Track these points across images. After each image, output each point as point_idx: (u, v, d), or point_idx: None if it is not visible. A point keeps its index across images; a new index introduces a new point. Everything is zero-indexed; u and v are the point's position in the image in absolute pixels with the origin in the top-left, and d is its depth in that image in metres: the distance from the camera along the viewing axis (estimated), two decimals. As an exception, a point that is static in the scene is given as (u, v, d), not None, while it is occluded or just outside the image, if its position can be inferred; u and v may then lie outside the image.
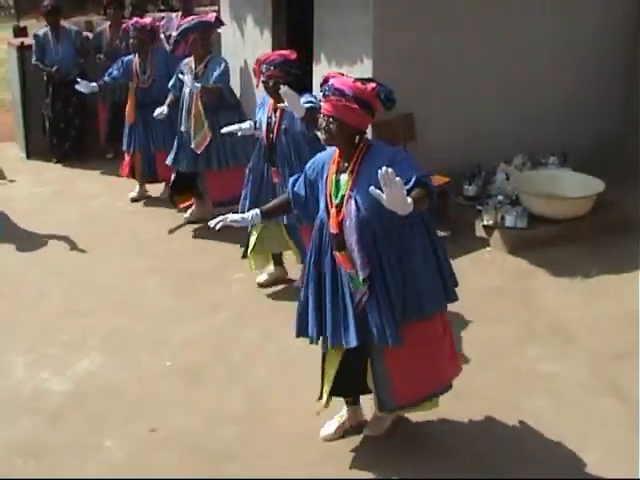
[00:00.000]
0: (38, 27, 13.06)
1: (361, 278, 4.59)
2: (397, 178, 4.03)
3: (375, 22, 8.24)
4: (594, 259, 7.63)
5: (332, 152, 4.79)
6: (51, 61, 11.22)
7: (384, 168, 4.02)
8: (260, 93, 7.26)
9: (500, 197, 8.20)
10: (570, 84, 9.43)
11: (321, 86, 4.73)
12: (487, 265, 7.73)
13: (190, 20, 8.76)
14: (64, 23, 11.64)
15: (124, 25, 10.27)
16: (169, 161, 8.76)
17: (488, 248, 8.00)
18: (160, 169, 9.46)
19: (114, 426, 5.45)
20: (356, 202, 4.55)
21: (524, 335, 6.42)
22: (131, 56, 9.68)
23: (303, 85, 7.13)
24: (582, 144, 9.29)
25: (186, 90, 8.49)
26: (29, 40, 11.78)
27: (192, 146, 8.49)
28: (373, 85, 4.65)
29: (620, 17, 9.64)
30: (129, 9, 13.93)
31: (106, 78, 9.67)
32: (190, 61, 8.64)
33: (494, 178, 8.64)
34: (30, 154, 11.93)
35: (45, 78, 11.36)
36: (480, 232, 8.14)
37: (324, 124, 4.59)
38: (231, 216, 5.19)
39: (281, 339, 6.25)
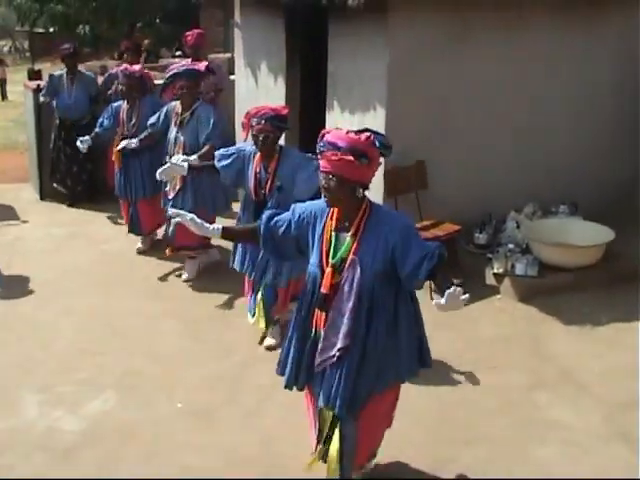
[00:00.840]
0: (52, 70, 13.20)
1: (338, 346, 4.53)
2: (463, 296, 4.24)
3: (389, 70, 8.35)
4: (604, 307, 7.69)
5: (324, 209, 4.64)
6: (63, 104, 11.31)
7: (456, 289, 4.20)
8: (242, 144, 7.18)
9: (510, 245, 8.27)
10: (582, 134, 9.52)
11: (317, 144, 4.55)
12: (497, 313, 7.76)
13: (180, 66, 8.85)
14: (81, 68, 11.76)
15: (113, 70, 10.32)
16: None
17: (498, 296, 8.04)
18: (143, 219, 9.57)
19: (127, 466, 5.46)
20: (361, 268, 4.44)
21: (534, 382, 6.45)
22: (120, 102, 9.77)
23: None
24: (593, 193, 9.38)
25: (171, 136, 8.50)
26: (44, 82, 11.89)
27: (166, 190, 8.54)
28: (367, 134, 4.47)
29: (635, 67, 9.71)
30: (144, 54, 14.12)
31: (97, 130, 9.78)
32: (177, 106, 8.55)
33: (505, 226, 8.70)
34: (44, 196, 12.03)
35: (57, 122, 11.47)
36: (490, 280, 8.19)
37: (324, 182, 4.44)
38: (193, 217, 4.96)
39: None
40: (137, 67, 9.91)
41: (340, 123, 8.56)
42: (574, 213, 8.98)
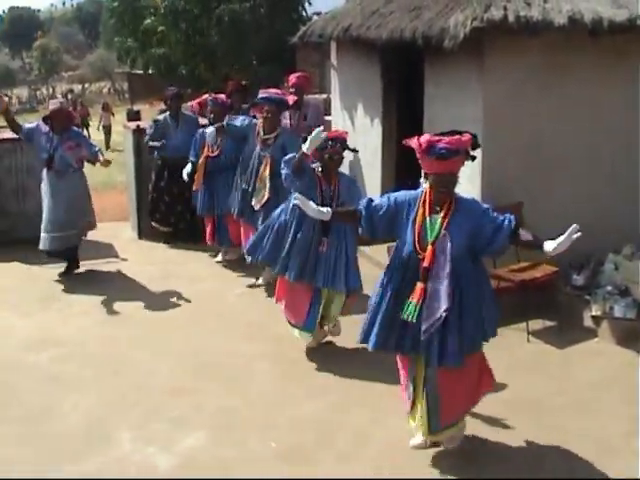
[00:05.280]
0: (151, 111, 13.47)
1: (444, 308, 5.29)
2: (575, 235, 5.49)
3: (485, 112, 8.35)
4: None
5: (417, 195, 5.57)
6: (172, 146, 11.45)
7: (574, 226, 5.56)
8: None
9: (609, 287, 8.12)
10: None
11: (427, 151, 5.31)
12: (595, 356, 7.62)
13: (273, 92, 9.39)
14: (183, 108, 11.99)
15: (200, 100, 10.98)
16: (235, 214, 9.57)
17: (596, 339, 7.91)
18: (232, 230, 10.25)
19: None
20: (451, 240, 5.33)
21: (633, 430, 6.26)
22: (201, 130, 10.57)
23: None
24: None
25: (256, 153, 9.19)
26: (143, 123, 12.14)
27: (252, 203, 9.09)
28: (468, 136, 5.46)
29: None
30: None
31: (193, 159, 10.58)
32: (259, 125, 9.27)
33: (603, 268, 8.55)
34: (141, 234, 12.25)
35: (160, 162, 11.63)
36: (588, 322, 8.06)
37: (445, 183, 5.38)
38: (311, 204, 5.84)
39: (389, 425, 6.25)
40: (223, 95, 10.73)
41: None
42: (674, 255, 8.79)
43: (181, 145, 11.34)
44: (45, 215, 9.83)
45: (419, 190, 5.62)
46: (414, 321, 5.41)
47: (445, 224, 5.40)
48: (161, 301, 9.46)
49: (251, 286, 9.77)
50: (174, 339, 8.40)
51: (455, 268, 5.34)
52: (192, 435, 6.38)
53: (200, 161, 10.37)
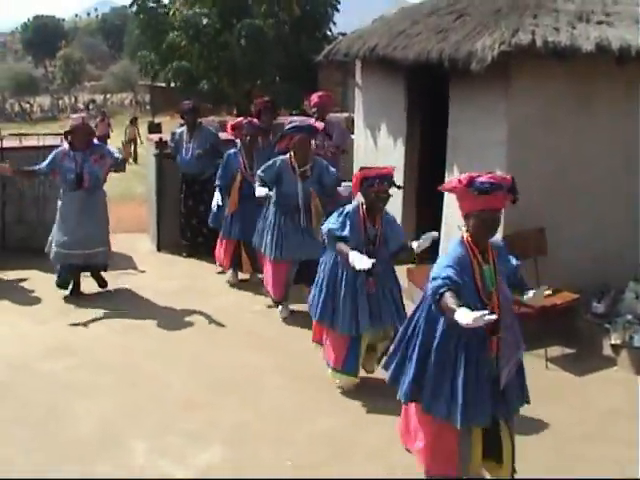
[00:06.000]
0: (172, 123, 13.50)
1: (520, 351, 5.35)
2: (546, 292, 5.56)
3: (509, 136, 8.34)
4: None
5: (463, 252, 5.22)
6: (183, 160, 11.52)
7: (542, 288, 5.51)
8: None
9: (629, 316, 8.06)
10: None
11: (469, 185, 5.13)
12: (613, 385, 7.57)
13: (302, 120, 9.31)
14: (204, 123, 11.99)
15: (234, 122, 10.57)
16: (271, 254, 9.05)
17: (615, 367, 7.85)
18: (260, 258, 9.81)
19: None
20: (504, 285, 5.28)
21: (651, 459, 6.23)
22: (231, 151, 10.34)
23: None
24: None
25: (295, 189, 8.86)
26: (165, 135, 12.12)
27: (315, 235, 8.75)
28: (509, 176, 5.30)
29: None
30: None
31: (219, 183, 10.35)
32: (290, 160, 8.92)
33: (623, 296, 8.49)
34: (161, 247, 12.26)
35: (180, 174, 11.67)
36: (607, 351, 8.00)
37: (492, 219, 5.20)
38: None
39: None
40: (256, 120, 10.51)
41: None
42: (696, 285, 8.73)
43: (192, 160, 11.42)
44: (68, 231, 9.59)
45: (457, 247, 5.28)
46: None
47: (495, 271, 5.26)
48: (178, 314, 9.45)
49: (270, 307, 9.67)
50: (189, 352, 8.40)
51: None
52: (207, 450, 6.38)
53: (235, 184, 10.15)
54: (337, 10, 28.04)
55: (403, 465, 6.02)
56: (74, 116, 10.38)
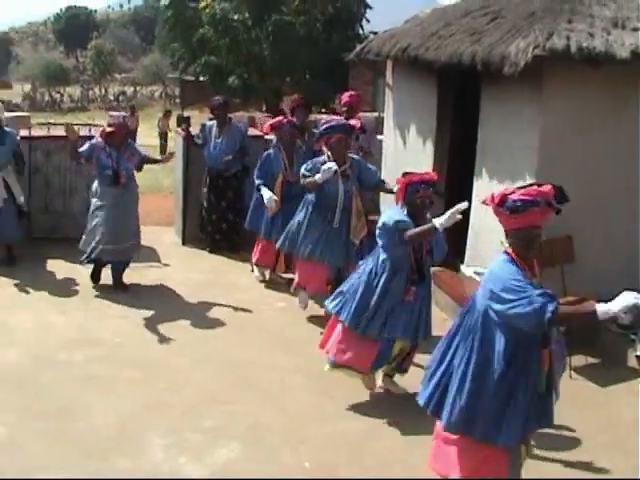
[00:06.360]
0: (201, 117, 13.45)
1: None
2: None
3: (541, 140, 8.27)
4: None
5: (516, 269, 5.01)
6: (209, 154, 11.49)
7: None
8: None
9: (656, 327, 7.97)
10: None
11: (501, 204, 5.00)
12: (637, 397, 7.47)
13: (337, 120, 9.09)
14: (234, 119, 11.94)
15: (273, 122, 10.49)
16: (317, 256, 8.81)
17: (640, 379, 7.77)
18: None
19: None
20: None
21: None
22: (270, 151, 10.18)
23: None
24: None
25: (337, 189, 8.60)
26: (193, 129, 12.08)
27: (352, 237, 8.69)
28: (549, 186, 5.08)
29: None
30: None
31: (260, 181, 10.08)
32: (330, 159, 8.63)
33: (650, 307, 8.39)
34: (185, 241, 12.23)
35: (206, 169, 11.65)
36: (632, 362, 7.92)
37: (528, 240, 5.03)
38: None
39: (423, 449, 6.15)
40: (294, 119, 10.41)
41: (488, 190, 8.44)
42: None
43: (219, 155, 11.38)
44: (107, 227, 9.56)
45: (509, 265, 5.06)
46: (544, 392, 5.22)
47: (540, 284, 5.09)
48: (201, 309, 9.43)
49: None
50: (212, 348, 8.37)
51: None
52: (225, 447, 6.34)
53: (277, 185, 10.01)
54: (369, 8, 28.02)
55: (421, 469, 5.97)
56: (113, 114, 10.24)
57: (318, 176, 8.43)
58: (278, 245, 9.37)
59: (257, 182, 10.09)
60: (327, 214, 8.72)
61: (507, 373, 5.09)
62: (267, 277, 10.59)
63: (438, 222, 6.56)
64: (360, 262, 7.47)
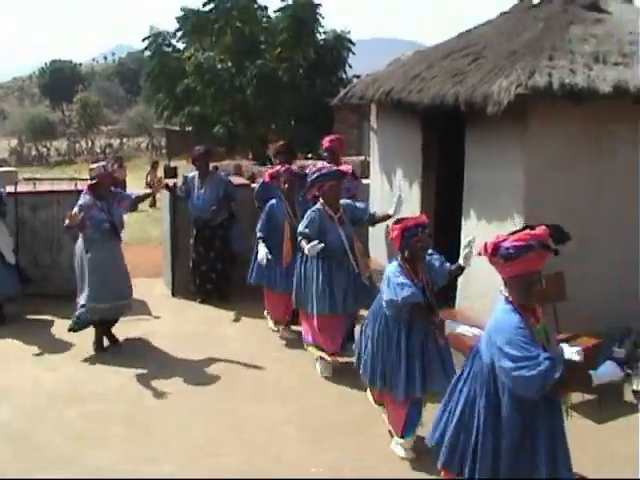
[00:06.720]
0: (188, 167, 13.44)
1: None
2: None
3: (526, 179, 8.27)
4: None
5: (518, 317, 4.95)
6: (193, 205, 11.45)
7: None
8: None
9: (651, 362, 7.94)
10: None
11: (494, 254, 4.98)
12: (635, 431, 7.39)
13: (328, 167, 9.01)
14: (217, 169, 11.90)
15: (272, 171, 10.32)
16: (328, 309, 8.65)
17: (638, 414, 7.68)
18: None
19: None
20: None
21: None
22: (273, 201, 9.98)
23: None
24: None
25: (335, 237, 8.53)
26: (179, 181, 12.01)
27: (362, 278, 8.63)
28: (543, 227, 5.03)
29: None
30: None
31: (261, 234, 9.92)
32: (327, 208, 8.62)
33: (644, 341, 8.38)
34: (175, 292, 12.15)
35: (192, 220, 11.59)
36: (629, 397, 7.87)
37: (528, 285, 4.96)
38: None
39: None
40: (296, 167, 10.33)
41: (476, 231, 8.44)
42: None
43: (203, 206, 11.34)
44: (101, 285, 9.34)
45: (511, 314, 5.01)
46: None
47: (547, 328, 5.11)
48: (193, 362, 9.35)
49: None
50: (204, 400, 8.29)
51: None
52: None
53: (285, 234, 9.72)
54: (352, 53, 28.20)
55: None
56: (94, 166, 10.03)
57: (306, 249, 8.43)
58: (295, 304, 9.19)
59: (258, 235, 9.90)
60: (341, 264, 8.63)
61: (518, 419, 5.06)
62: (285, 334, 10.27)
63: (449, 327, 6.47)
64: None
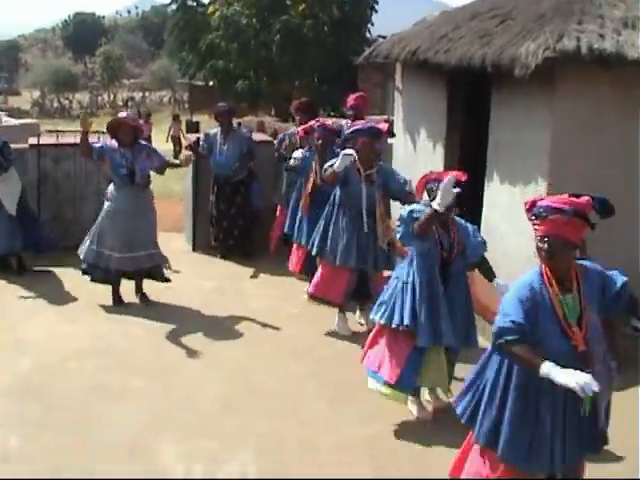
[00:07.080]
0: (209, 122, 13.39)
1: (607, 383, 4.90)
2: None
3: (553, 141, 8.19)
4: None
5: (535, 277, 4.88)
6: (215, 161, 11.46)
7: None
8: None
9: (670, 330, 7.89)
10: None
11: (530, 210, 4.88)
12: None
13: (364, 123, 8.83)
14: (240, 125, 11.88)
15: (306, 126, 10.21)
16: (343, 262, 8.63)
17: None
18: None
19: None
20: (593, 314, 4.85)
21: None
22: (299, 155, 9.95)
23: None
24: None
25: (360, 192, 8.44)
26: (201, 137, 11.99)
27: (380, 242, 8.54)
28: (586, 198, 4.86)
29: None
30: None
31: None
32: (357, 162, 8.44)
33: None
34: (196, 247, 12.19)
35: (212, 176, 11.63)
36: (650, 364, 7.83)
37: (546, 246, 4.74)
38: None
39: (438, 455, 6.09)
40: (330, 121, 10.19)
41: (500, 193, 8.41)
42: None
43: (226, 162, 11.34)
44: (122, 234, 9.37)
45: (532, 275, 4.93)
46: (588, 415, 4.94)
47: (584, 300, 4.84)
48: (213, 317, 9.39)
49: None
50: (223, 355, 8.33)
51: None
52: (237, 457, 6.29)
53: (307, 187, 9.68)
54: (376, 11, 27.99)
55: (436, 473, 5.91)
56: (121, 114, 10.03)
57: (336, 164, 8.28)
58: (308, 246, 9.19)
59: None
60: (354, 218, 8.56)
61: (528, 391, 4.95)
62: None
63: (435, 204, 6.33)
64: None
